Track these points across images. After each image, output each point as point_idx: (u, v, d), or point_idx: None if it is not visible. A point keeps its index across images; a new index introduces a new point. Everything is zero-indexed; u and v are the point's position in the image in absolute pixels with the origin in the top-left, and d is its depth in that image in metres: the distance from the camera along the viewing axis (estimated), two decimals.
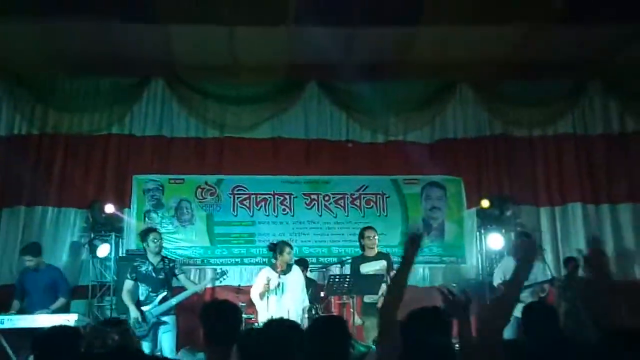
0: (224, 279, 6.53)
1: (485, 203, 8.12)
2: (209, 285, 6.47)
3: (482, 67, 8.15)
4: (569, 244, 8.30)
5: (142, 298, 6.17)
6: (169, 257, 6.76)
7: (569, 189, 8.52)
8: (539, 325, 3.34)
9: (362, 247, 6.93)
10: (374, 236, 6.87)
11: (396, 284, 3.19)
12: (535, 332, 3.34)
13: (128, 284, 6.24)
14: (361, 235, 6.96)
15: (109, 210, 7.72)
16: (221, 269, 6.55)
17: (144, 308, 6.09)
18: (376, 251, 6.88)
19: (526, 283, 6.47)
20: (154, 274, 6.20)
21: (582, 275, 7.64)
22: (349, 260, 7.50)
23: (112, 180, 8.24)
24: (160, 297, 6.12)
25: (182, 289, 6.34)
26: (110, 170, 8.28)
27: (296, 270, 6.60)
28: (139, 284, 6.21)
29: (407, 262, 3.09)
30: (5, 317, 5.88)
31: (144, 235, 6.44)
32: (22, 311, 6.37)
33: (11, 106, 8.26)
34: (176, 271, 6.31)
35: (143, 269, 6.22)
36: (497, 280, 7.02)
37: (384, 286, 6.41)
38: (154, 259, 6.27)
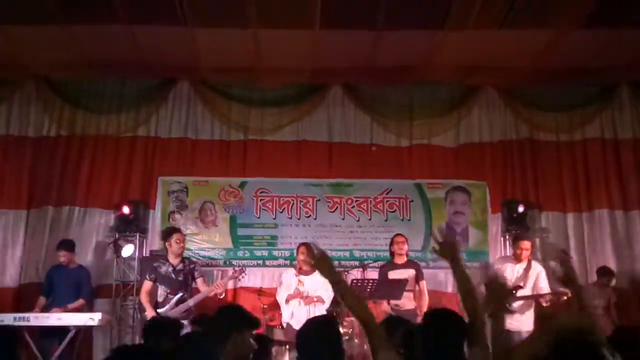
0: (242, 277, 6.52)
1: None
2: (228, 287, 6.48)
3: (508, 71, 8.07)
4: (596, 251, 8.15)
5: (160, 299, 6.17)
6: (190, 258, 6.78)
7: (596, 195, 8.35)
8: None
9: (392, 254, 6.94)
10: (402, 242, 6.87)
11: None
12: None
13: (147, 284, 6.26)
14: (391, 242, 6.98)
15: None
16: (239, 265, 6.53)
17: (160, 310, 6.10)
18: (405, 259, 6.87)
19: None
20: (173, 275, 6.20)
21: (613, 285, 7.54)
22: (371, 264, 7.50)
23: (137, 182, 8.32)
24: (177, 298, 6.12)
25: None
26: (136, 172, 8.36)
27: (317, 272, 6.60)
28: (158, 285, 6.23)
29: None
30: (30, 315, 5.99)
31: (167, 234, 6.44)
32: (47, 308, 6.48)
33: (40, 108, 8.40)
34: (196, 274, 6.32)
35: (163, 269, 6.23)
36: None
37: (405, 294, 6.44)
38: (174, 260, 6.28)
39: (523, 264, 6.70)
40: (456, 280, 2.96)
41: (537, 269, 6.71)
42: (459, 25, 6.83)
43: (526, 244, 6.73)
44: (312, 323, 3.08)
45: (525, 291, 6.50)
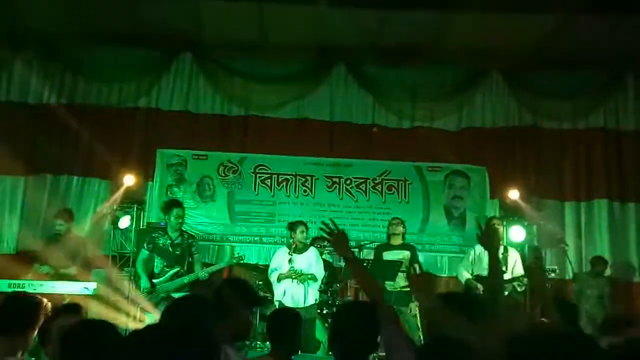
0: (239, 263, 6.55)
1: None
2: (223, 265, 6.55)
3: (514, 56, 8.01)
4: (592, 240, 8.16)
5: (156, 271, 6.19)
6: (189, 232, 6.76)
7: (596, 185, 8.35)
8: None
9: (388, 236, 6.97)
10: (397, 224, 6.96)
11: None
12: None
13: (144, 254, 6.28)
14: (388, 224, 7.08)
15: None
16: (239, 253, 6.57)
17: (155, 281, 6.14)
18: (401, 241, 6.90)
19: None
20: (170, 249, 6.20)
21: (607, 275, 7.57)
22: (368, 244, 7.50)
23: (137, 153, 8.30)
24: (172, 272, 6.14)
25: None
26: (135, 143, 8.35)
27: (311, 250, 6.60)
28: (155, 256, 6.24)
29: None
30: (25, 282, 6.00)
31: (167, 207, 6.43)
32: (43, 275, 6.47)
33: (41, 75, 8.34)
34: (193, 250, 6.32)
35: (161, 241, 6.23)
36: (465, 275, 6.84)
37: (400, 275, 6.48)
38: (173, 234, 6.28)
39: (500, 250, 6.70)
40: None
41: (514, 254, 6.79)
42: (466, 7, 6.76)
43: (498, 222, 6.81)
44: (353, 307, 3.09)
45: (506, 275, 6.52)
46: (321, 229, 3.07)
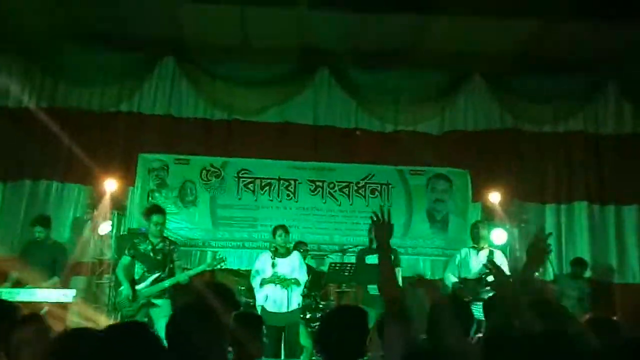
0: (221, 266, 6.49)
1: None
2: (205, 268, 6.48)
3: (496, 60, 8.06)
4: (573, 242, 8.24)
5: (136, 277, 6.10)
6: (171, 239, 6.69)
7: (576, 187, 8.43)
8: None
9: (371, 240, 6.93)
10: None
11: None
12: None
13: (125, 260, 6.18)
14: (370, 228, 6.96)
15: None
16: (221, 256, 6.51)
17: (137, 287, 6.05)
18: None
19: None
20: (152, 254, 6.12)
21: (588, 277, 7.63)
22: (351, 248, 7.48)
23: (118, 158, 8.20)
24: (153, 277, 6.07)
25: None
26: (117, 148, 8.26)
27: (294, 254, 6.56)
28: (136, 262, 6.16)
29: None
30: (3, 290, 5.89)
31: (148, 213, 6.34)
32: (19, 283, 6.35)
33: (21, 78, 8.21)
34: (174, 256, 6.24)
35: (142, 247, 6.15)
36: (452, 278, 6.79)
37: None
38: (154, 239, 6.21)
39: (485, 252, 6.71)
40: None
41: (500, 258, 6.74)
42: (448, 10, 6.81)
43: (482, 225, 6.87)
44: (341, 312, 3.07)
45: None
46: (374, 212, 3.08)
